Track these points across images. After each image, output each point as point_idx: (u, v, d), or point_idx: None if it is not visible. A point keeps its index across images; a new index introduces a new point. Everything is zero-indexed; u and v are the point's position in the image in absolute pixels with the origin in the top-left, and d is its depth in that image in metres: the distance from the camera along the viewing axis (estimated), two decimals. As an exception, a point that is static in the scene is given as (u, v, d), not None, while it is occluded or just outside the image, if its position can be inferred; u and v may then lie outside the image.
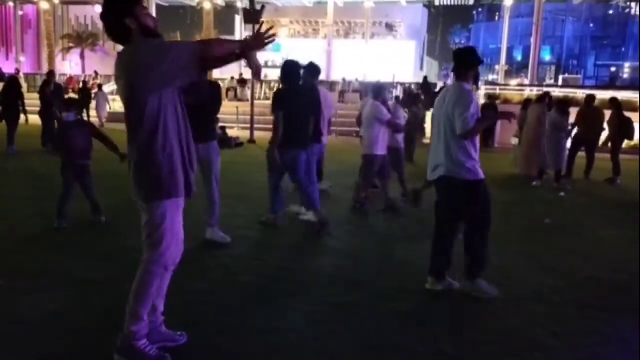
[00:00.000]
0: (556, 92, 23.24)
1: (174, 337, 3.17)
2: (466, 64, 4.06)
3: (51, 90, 12.53)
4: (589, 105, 10.96)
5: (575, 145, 10.82)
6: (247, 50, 2.70)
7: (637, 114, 18.05)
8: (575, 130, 10.58)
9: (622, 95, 20.09)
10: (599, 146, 10.96)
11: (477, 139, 4.08)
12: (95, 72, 30.34)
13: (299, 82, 5.74)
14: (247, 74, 23.14)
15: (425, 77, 27.15)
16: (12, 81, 12.13)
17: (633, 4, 56.36)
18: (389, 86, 21.04)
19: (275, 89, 28.13)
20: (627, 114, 11.39)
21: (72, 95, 20.30)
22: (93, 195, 5.90)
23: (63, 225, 5.60)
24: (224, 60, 2.83)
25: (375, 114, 6.77)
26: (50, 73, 14.00)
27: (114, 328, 3.04)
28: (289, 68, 5.64)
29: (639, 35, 38.96)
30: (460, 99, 3.94)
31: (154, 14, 28.93)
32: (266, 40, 2.73)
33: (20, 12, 39.66)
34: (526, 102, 12.05)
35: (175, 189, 2.78)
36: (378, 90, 7.16)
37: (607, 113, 11.03)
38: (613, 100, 11.26)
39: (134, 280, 2.90)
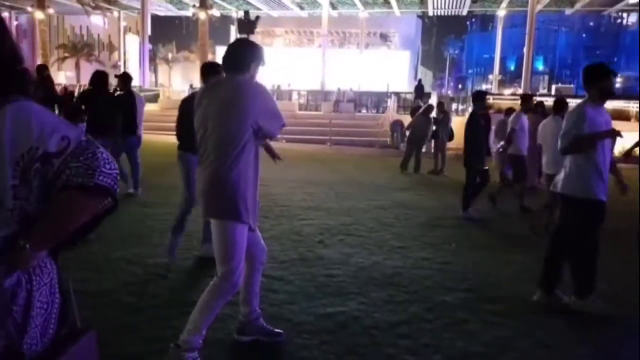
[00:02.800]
0: (549, 101, 23.41)
1: (270, 331, 3.37)
2: (585, 81, 4.13)
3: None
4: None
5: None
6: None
7: (637, 123, 18.20)
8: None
9: (615, 104, 20.28)
10: None
11: (603, 156, 4.08)
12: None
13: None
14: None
15: (419, 80, 27.33)
16: None
17: (625, 15, 56.86)
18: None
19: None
20: (619, 123, 11.44)
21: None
22: None
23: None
24: None
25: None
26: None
27: (107, 342, 3.01)
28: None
29: (639, 46, 39.25)
30: (567, 115, 4.16)
31: (149, 24, 29.20)
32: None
33: (15, 22, 39.70)
34: (508, 112, 12.10)
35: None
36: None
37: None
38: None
39: (204, 292, 3.04)
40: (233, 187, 2.92)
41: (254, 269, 3.29)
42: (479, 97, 8.69)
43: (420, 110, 13.39)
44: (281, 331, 3.42)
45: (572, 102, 12.31)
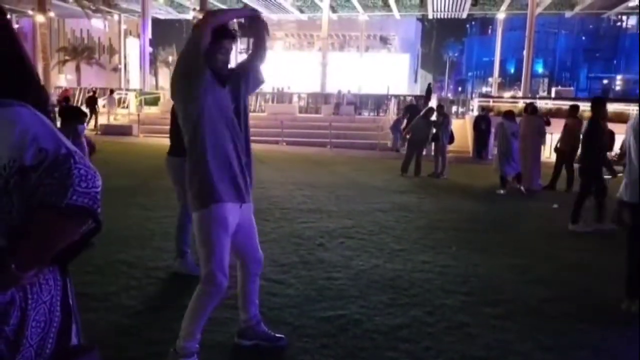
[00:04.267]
0: (549, 104, 23.49)
1: (271, 337, 3.31)
2: None
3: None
4: (571, 116, 11.07)
5: (559, 156, 10.96)
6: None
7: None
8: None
9: (614, 107, 20.31)
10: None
11: None
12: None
13: None
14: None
15: (429, 84, 27.36)
16: None
17: (624, 17, 56.94)
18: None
19: (270, 101, 28.29)
20: (619, 125, 11.47)
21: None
22: None
23: None
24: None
25: None
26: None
27: (107, 345, 3.02)
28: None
29: (639, 48, 39.33)
30: None
31: (150, 27, 29.27)
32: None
33: (16, 26, 39.77)
34: (507, 115, 12.13)
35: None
36: None
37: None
38: (575, 108, 11.41)
39: (192, 297, 2.99)
40: (197, 175, 2.85)
41: (249, 279, 3.24)
42: (601, 104, 7.61)
43: (422, 113, 13.40)
44: (282, 336, 3.40)
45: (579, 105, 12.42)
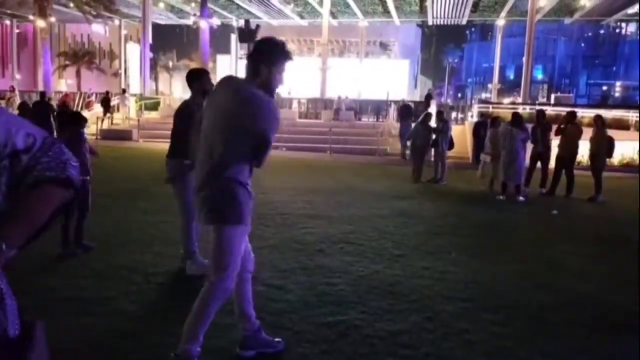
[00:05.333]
0: (549, 110, 23.52)
1: (272, 343, 3.35)
2: None
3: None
4: (570, 123, 11.09)
5: (558, 162, 10.97)
6: None
7: (636, 132, 18.29)
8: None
9: (614, 114, 20.36)
10: (588, 164, 11.08)
11: None
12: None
13: None
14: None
15: (429, 90, 27.41)
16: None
17: (624, 24, 57.11)
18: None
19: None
20: (618, 132, 11.51)
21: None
22: (86, 218, 5.57)
23: (78, 251, 5.38)
24: None
25: None
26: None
27: (107, 349, 3.03)
28: None
29: (639, 55, 39.45)
30: None
31: (150, 32, 29.33)
32: None
33: (17, 30, 39.86)
34: (494, 121, 12.11)
35: None
36: None
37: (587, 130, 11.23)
38: (599, 118, 11.32)
39: (197, 300, 3.03)
40: (241, 191, 2.95)
41: (243, 278, 3.24)
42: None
43: (420, 119, 13.41)
44: (280, 339, 3.41)
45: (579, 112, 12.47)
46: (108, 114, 24.28)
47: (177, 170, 4.71)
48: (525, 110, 22.39)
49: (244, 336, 3.33)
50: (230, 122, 2.91)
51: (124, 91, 27.24)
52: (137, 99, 27.35)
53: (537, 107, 16.06)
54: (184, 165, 4.59)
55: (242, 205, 2.95)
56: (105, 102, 24.62)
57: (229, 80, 3.19)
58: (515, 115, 10.66)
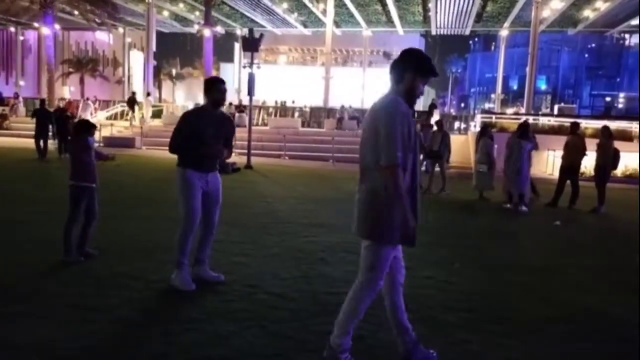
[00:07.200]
0: (552, 121, 23.55)
1: (430, 355, 3.36)
2: None
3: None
4: (573, 133, 11.07)
5: (561, 173, 10.94)
6: None
7: (637, 143, 18.27)
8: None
9: (617, 125, 20.34)
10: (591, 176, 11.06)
11: None
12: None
13: None
14: (246, 100, 23.36)
15: (433, 100, 27.51)
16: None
17: (627, 36, 57.23)
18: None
19: (273, 115, 28.37)
20: (621, 143, 11.49)
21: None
22: (94, 225, 5.56)
23: (79, 258, 5.35)
24: None
25: None
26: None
27: (109, 356, 3.01)
28: None
29: (639, 67, 39.49)
30: None
31: (154, 41, 29.52)
32: None
33: (21, 38, 40.11)
34: (484, 130, 12.12)
35: None
36: None
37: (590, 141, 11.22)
38: (606, 129, 11.21)
39: (348, 298, 3.20)
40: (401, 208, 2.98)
41: (395, 290, 3.31)
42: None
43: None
44: (434, 351, 3.40)
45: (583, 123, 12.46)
46: (132, 114, 26.89)
47: (179, 178, 4.68)
48: (528, 120, 22.37)
49: (406, 350, 3.31)
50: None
51: (148, 94, 29.10)
52: (141, 107, 27.49)
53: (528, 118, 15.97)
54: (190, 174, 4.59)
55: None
56: (131, 102, 27.28)
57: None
58: (523, 127, 10.53)
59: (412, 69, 3.06)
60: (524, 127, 10.47)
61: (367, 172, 3.10)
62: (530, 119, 23.94)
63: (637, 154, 16.00)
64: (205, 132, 4.60)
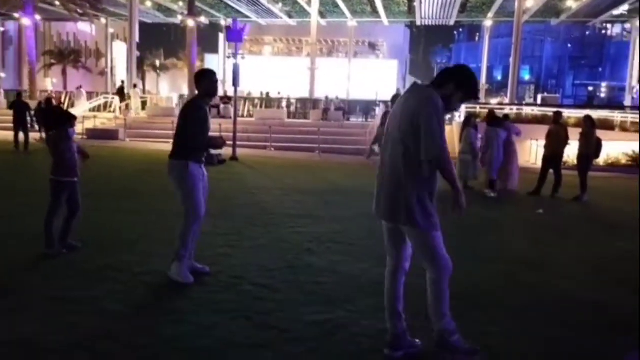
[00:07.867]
0: (535, 110, 23.76)
1: (415, 344, 3.45)
2: None
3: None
4: (556, 123, 11.18)
5: (544, 163, 11.08)
6: None
7: (621, 133, 18.55)
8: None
9: (599, 114, 20.63)
10: (574, 164, 11.22)
11: None
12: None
13: None
14: (231, 91, 23.22)
15: (398, 89, 27.49)
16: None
17: (609, 26, 57.71)
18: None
19: (259, 106, 28.25)
20: (603, 132, 11.62)
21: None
22: (77, 217, 5.51)
23: (62, 250, 5.30)
24: None
25: None
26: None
27: (92, 349, 3.00)
28: None
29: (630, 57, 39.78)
30: None
31: (137, 31, 29.15)
32: None
33: (1, 29, 39.44)
34: (468, 120, 12.27)
35: None
36: None
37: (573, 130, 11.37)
38: (588, 118, 11.31)
39: (428, 287, 3.40)
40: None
41: (398, 277, 3.46)
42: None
43: (380, 121, 13.44)
44: (418, 340, 3.48)
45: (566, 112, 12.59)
46: (122, 103, 26.84)
47: (182, 171, 4.64)
48: (512, 110, 22.56)
49: (394, 335, 3.36)
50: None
51: (135, 86, 28.90)
52: (128, 98, 27.25)
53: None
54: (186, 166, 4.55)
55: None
56: (121, 91, 27.87)
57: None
58: (492, 115, 11.32)
59: (457, 82, 3.19)
60: (492, 115, 11.27)
61: (394, 161, 3.28)
62: (514, 109, 24.15)
63: (620, 142, 16.24)
64: (208, 124, 4.70)
